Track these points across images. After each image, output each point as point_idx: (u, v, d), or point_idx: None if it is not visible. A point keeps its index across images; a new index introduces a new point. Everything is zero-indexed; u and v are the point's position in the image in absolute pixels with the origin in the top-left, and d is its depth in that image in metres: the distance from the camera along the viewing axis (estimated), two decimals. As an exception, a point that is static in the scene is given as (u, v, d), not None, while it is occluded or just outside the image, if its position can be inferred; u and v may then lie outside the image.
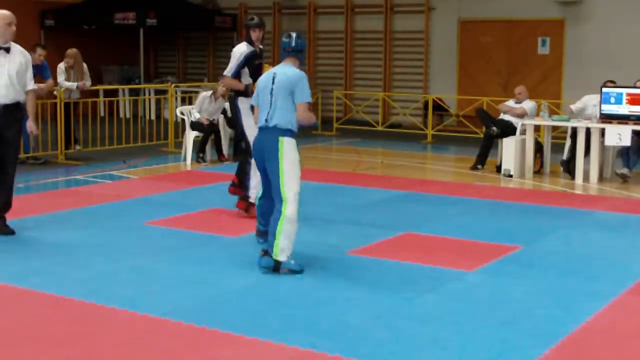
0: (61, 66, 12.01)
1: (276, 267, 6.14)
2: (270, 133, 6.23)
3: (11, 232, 7.24)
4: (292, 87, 6.20)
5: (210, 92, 12.09)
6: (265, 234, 6.40)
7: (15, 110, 7.24)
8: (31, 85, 7.38)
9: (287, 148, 6.20)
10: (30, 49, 11.26)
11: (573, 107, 11.31)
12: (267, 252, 6.23)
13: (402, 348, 4.60)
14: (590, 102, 11.17)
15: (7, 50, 7.18)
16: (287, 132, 6.23)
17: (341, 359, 4.41)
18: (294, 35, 6.41)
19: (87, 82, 12.28)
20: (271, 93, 6.26)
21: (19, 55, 7.29)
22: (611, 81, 11.36)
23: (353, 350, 4.52)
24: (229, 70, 8.01)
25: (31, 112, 7.49)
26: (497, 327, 4.96)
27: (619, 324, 5.12)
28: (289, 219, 6.11)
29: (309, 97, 6.27)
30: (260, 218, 6.60)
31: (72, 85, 12.01)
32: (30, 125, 7.61)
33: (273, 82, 6.29)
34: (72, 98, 12.12)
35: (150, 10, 17.38)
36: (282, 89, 6.22)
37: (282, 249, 6.12)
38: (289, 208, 6.12)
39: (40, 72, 11.42)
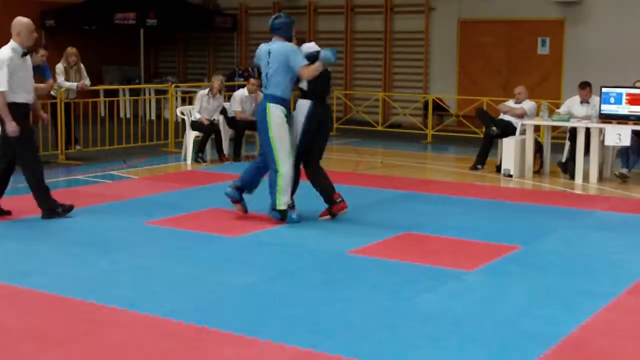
0: (60, 66, 11.99)
1: (283, 217, 7.60)
2: (262, 100, 7.57)
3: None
4: (285, 59, 7.38)
5: (207, 90, 12.12)
6: (238, 189, 7.85)
7: None
8: None
9: (274, 113, 7.42)
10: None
11: (560, 111, 11.35)
12: (241, 189, 7.85)
13: (402, 348, 4.60)
14: (573, 103, 11.22)
15: (25, 54, 7.56)
16: (277, 99, 7.45)
17: (341, 359, 4.41)
18: (272, 17, 7.66)
19: (87, 82, 12.27)
20: (267, 65, 7.48)
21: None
22: (585, 84, 11.29)
23: (353, 350, 4.51)
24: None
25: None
26: (497, 327, 4.96)
27: (619, 324, 5.12)
28: (284, 176, 7.47)
29: (303, 60, 7.39)
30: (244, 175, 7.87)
31: (72, 85, 12.00)
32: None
33: (269, 56, 7.48)
34: (70, 98, 12.10)
35: (150, 10, 17.38)
36: (276, 61, 7.41)
37: (283, 202, 7.55)
38: (283, 167, 7.45)
39: (41, 72, 11.41)
